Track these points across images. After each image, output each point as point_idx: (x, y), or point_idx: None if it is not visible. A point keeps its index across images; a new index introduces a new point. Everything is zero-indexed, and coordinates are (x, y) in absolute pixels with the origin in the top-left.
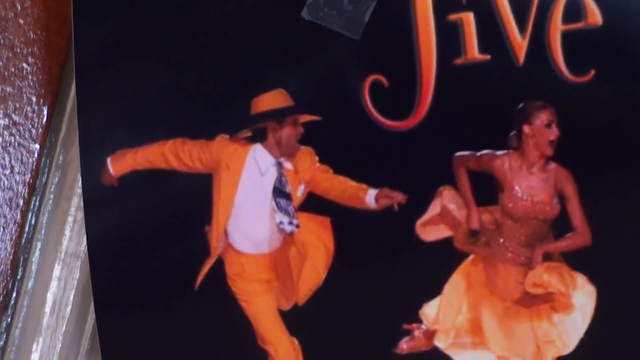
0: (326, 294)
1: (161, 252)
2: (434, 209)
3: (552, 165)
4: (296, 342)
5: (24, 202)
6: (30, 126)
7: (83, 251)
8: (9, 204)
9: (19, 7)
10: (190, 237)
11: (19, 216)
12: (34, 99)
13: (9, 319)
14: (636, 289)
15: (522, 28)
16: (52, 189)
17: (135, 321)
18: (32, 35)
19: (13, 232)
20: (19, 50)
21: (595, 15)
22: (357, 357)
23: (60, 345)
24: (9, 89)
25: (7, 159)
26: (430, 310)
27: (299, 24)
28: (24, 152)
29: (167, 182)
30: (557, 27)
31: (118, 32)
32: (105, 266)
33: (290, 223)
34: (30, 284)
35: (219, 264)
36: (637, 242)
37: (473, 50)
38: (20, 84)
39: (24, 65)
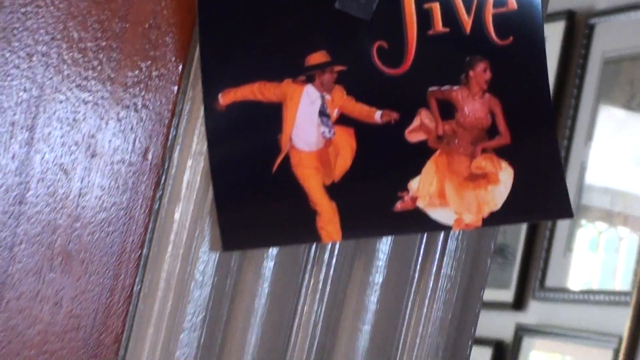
0: (351, 174)
1: (251, 150)
2: (416, 122)
3: (487, 95)
4: (334, 203)
5: (168, 121)
6: (171, 75)
7: (205, 150)
8: (159, 122)
9: (163, 3)
10: (269, 140)
11: (165, 129)
12: (173, 59)
13: (160, 193)
14: (537, 171)
15: (468, 11)
16: (185, 113)
17: (238, 189)
18: (172, 20)
19: (161, 138)
20: (163, 29)
21: (513, 3)
22: (370, 213)
23: (192, 207)
24: (157, 53)
25: (157, 96)
26: (414, 184)
27: (333, 12)
28: (168, 91)
29: (255, 107)
30: (490, 10)
31: (226, 19)
32: (219, 158)
33: (329, 132)
34: (173, 171)
35: (287, 157)
36: (537, 141)
37: (439, 25)
38: (165, 50)
39: (167, 38)
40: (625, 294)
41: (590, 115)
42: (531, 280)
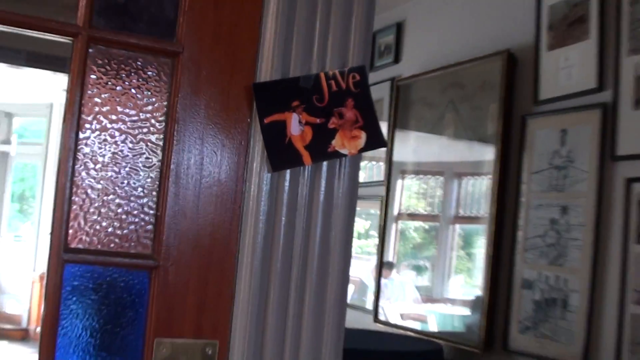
0: (311, 142)
1: (277, 136)
2: (331, 122)
3: (354, 110)
4: (307, 151)
5: (247, 129)
6: (246, 112)
7: (262, 138)
8: (244, 130)
9: (244, 85)
10: (282, 133)
11: (246, 133)
12: (246, 104)
13: (250, 156)
14: (372, 132)
15: (344, 81)
16: (253, 126)
17: (274, 149)
18: (244, 93)
19: (245, 136)
20: (243, 95)
21: (357, 77)
22: (320, 153)
23: (258, 157)
24: (242, 104)
25: (242, 122)
26: (334, 141)
27: (299, 86)
28: (245, 120)
29: (277, 122)
30: (351, 80)
31: (264, 90)
32: (267, 140)
33: (302, 128)
34: (251, 146)
35: (290, 137)
36: (371, 123)
37: (334, 87)
38: (244, 102)
39: (244, 100)
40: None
41: None
42: None
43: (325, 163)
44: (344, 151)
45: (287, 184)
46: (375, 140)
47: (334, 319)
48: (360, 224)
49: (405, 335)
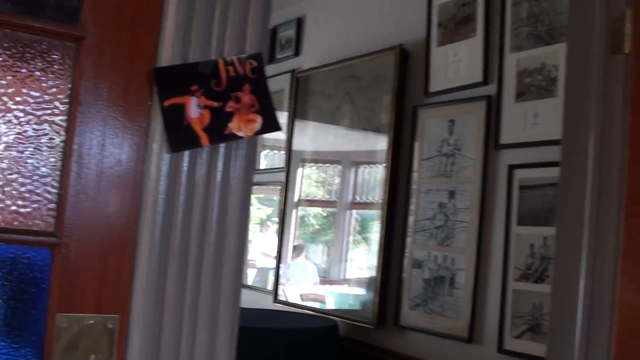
0: (209, 125)
1: (177, 118)
2: (229, 105)
3: (251, 94)
4: (205, 134)
5: (148, 111)
6: (146, 94)
7: (161, 119)
8: (146, 112)
9: (144, 71)
10: (181, 115)
11: (147, 115)
12: (148, 92)
13: (150, 138)
14: (268, 116)
15: (242, 68)
16: (154, 108)
17: (173, 130)
18: (146, 78)
19: (145, 118)
20: (144, 82)
21: (254, 64)
22: (217, 135)
23: (158, 139)
24: (142, 92)
25: (143, 105)
26: (231, 124)
27: (198, 72)
28: (145, 103)
29: (177, 105)
30: (248, 66)
31: (164, 75)
32: (167, 122)
33: (201, 111)
34: (152, 128)
35: (188, 119)
36: (266, 107)
37: (232, 72)
38: (145, 89)
39: (146, 89)
40: None
41: None
42: None
43: (222, 145)
44: (240, 134)
45: (185, 164)
46: (270, 124)
47: (230, 293)
48: (262, 211)
49: (303, 314)
